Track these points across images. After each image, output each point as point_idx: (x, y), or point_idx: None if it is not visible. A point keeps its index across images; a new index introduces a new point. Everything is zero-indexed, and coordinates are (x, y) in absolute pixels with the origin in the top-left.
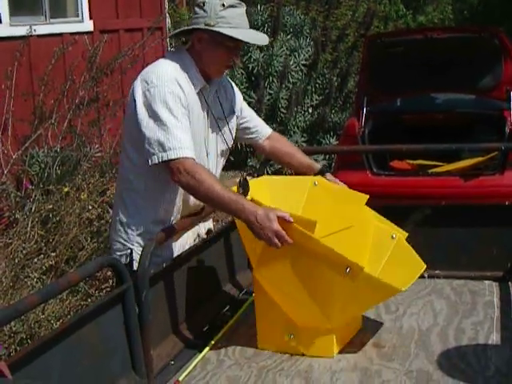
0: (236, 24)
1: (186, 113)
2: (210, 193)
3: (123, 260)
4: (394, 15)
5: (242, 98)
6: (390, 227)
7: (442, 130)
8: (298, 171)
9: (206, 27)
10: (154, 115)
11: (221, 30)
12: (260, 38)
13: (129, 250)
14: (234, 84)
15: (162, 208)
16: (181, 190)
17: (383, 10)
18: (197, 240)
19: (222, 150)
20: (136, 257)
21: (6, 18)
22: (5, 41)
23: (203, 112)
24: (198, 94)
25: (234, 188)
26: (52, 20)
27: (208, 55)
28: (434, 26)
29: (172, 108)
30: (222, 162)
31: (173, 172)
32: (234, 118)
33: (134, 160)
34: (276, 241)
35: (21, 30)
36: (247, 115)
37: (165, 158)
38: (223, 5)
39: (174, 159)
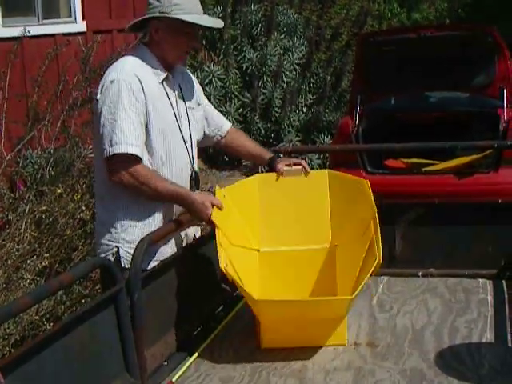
0: (190, 9)
1: (138, 105)
2: (153, 193)
3: (111, 258)
4: (388, 14)
5: (201, 89)
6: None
7: (436, 129)
8: (252, 161)
9: (161, 15)
10: (108, 109)
11: (176, 16)
12: (215, 22)
13: (115, 249)
14: (192, 75)
15: (143, 201)
16: None
17: (377, 9)
18: (187, 241)
19: (197, 140)
20: (123, 253)
21: None
22: None
23: (170, 101)
24: (161, 84)
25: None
26: (45, 21)
27: (167, 43)
28: (428, 24)
29: (123, 101)
30: (197, 150)
31: (114, 167)
32: (200, 107)
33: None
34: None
35: (13, 31)
36: (208, 107)
37: (111, 153)
38: None
39: (118, 153)
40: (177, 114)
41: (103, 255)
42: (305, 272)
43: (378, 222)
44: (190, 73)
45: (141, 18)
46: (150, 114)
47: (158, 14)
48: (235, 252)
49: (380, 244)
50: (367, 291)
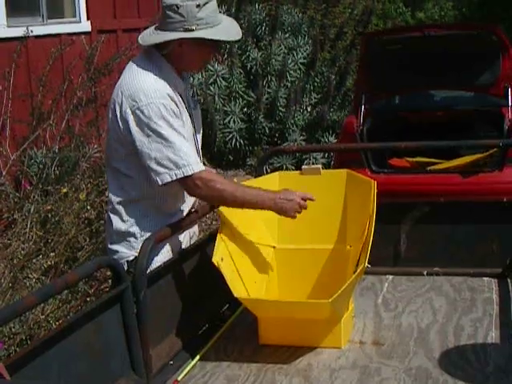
0: (213, 22)
1: (181, 123)
2: (233, 198)
3: (125, 267)
4: (393, 13)
5: None
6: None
7: (440, 127)
8: None
9: (189, 34)
10: (155, 134)
11: (204, 35)
12: (236, 32)
13: (132, 257)
14: None
15: (164, 214)
16: (181, 194)
17: (382, 8)
18: (192, 240)
19: (201, 138)
20: None
21: (2, 19)
22: (2, 42)
23: (187, 110)
24: (180, 96)
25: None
26: (49, 21)
27: (190, 56)
28: (432, 23)
29: (171, 123)
30: None
31: (190, 187)
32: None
33: (128, 174)
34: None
35: (18, 31)
36: None
37: (180, 176)
38: (198, 5)
39: (191, 175)
40: (193, 117)
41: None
42: (318, 271)
43: (373, 223)
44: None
45: (169, 39)
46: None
47: (183, 34)
48: (245, 247)
49: (368, 247)
50: (372, 290)
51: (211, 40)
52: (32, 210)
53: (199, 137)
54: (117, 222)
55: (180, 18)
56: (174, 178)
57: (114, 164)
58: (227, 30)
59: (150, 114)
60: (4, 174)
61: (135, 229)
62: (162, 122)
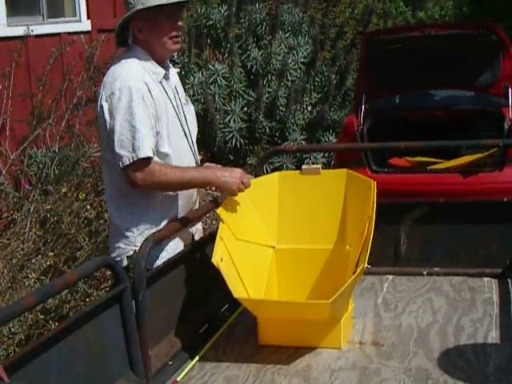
0: None
1: (151, 111)
2: (175, 182)
3: (124, 262)
4: (393, 12)
5: None
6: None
7: (440, 127)
8: None
9: (133, 9)
10: (121, 117)
11: (146, 5)
12: None
13: (131, 252)
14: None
15: (159, 206)
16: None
17: (382, 8)
18: (196, 236)
19: (195, 134)
20: None
21: (3, 18)
22: (2, 41)
23: (169, 98)
24: (160, 83)
25: None
26: (49, 20)
27: (153, 36)
28: (432, 23)
29: (138, 108)
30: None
31: (136, 175)
32: (190, 102)
33: (115, 165)
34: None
35: (18, 30)
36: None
37: (135, 158)
38: None
39: (143, 160)
40: (176, 109)
41: (118, 259)
42: (318, 271)
43: (372, 223)
44: (174, 69)
45: (119, 24)
46: (157, 117)
47: (130, 12)
48: (245, 248)
49: (368, 248)
50: (372, 290)
51: (161, 10)
52: (31, 209)
53: (193, 131)
54: (112, 217)
55: (130, 5)
56: (131, 161)
57: (105, 155)
58: None
59: (121, 97)
60: (4, 173)
61: (130, 223)
62: (130, 105)
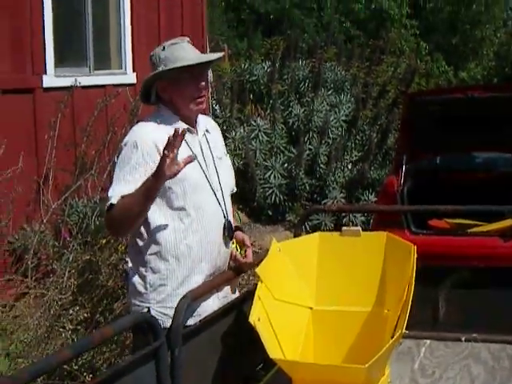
0: (181, 57)
1: (151, 168)
2: (124, 209)
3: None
4: (435, 71)
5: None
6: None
7: (482, 189)
8: None
9: (155, 72)
10: (117, 168)
11: (167, 68)
12: (210, 56)
13: (145, 309)
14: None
15: (170, 259)
16: (190, 241)
17: (424, 67)
18: (227, 299)
19: (228, 188)
20: (155, 314)
21: (51, 69)
22: (49, 91)
23: (194, 154)
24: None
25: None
26: (96, 72)
27: (176, 97)
28: (475, 85)
29: (131, 163)
30: (230, 199)
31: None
32: (227, 157)
33: None
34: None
35: (65, 81)
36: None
37: (107, 205)
38: (163, 48)
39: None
40: (203, 165)
41: None
42: (355, 334)
43: (412, 289)
44: (214, 123)
45: (143, 85)
46: None
47: (152, 73)
48: (282, 307)
49: (407, 313)
50: (409, 355)
51: (182, 71)
52: (70, 259)
53: (225, 186)
54: (131, 274)
55: (153, 66)
56: (104, 209)
57: None
58: (197, 56)
59: (122, 152)
60: (45, 222)
61: (146, 280)
62: (127, 159)
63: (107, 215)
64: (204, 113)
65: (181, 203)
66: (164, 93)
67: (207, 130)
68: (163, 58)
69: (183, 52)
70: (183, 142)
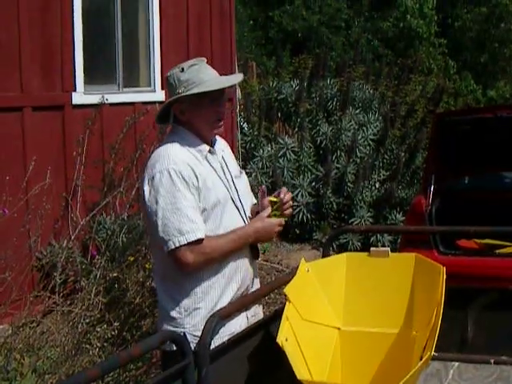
0: (200, 80)
1: (194, 190)
2: (219, 255)
3: (173, 346)
4: (463, 90)
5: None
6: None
7: (511, 209)
8: None
9: (176, 96)
10: (163, 201)
11: (188, 93)
12: (231, 79)
13: (181, 333)
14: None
15: (203, 281)
16: (221, 261)
17: (453, 86)
18: (255, 318)
19: (248, 205)
20: (191, 338)
21: (80, 86)
22: (79, 108)
23: (217, 174)
24: (206, 159)
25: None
26: (125, 89)
27: (195, 120)
28: (503, 104)
29: (180, 189)
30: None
31: (186, 258)
32: (243, 175)
33: (165, 250)
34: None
35: (94, 99)
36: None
37: (183, 242)
38: (182, 69)
39: (193, 241)
40: (226, 184)
41: (168, 342)
42: (383, 356)
43: (440, 311)
44: (225, 141)
45: (162, 108)
46: (203, 194)
47: (173, 98)
48: (310, 328)
49: (435, 335)
50: (437, 376)
51: (203, 96)
52: (98, 276)
53: (245, 203)
54: (162, 298)
55: (171, 87)
56: (178, 244)
57: (151, 238)
58: (218, 80)
59: (162, 180)
60: (73, 238)
61: (179, 304)
62: (172, 187)
63: (190, 251)
64: (230, 130)
65: (213, 225)
66: (182, 115)
67: (222, 149)
68: (183, 80)
69: (202, 75)
70: (207, 163)
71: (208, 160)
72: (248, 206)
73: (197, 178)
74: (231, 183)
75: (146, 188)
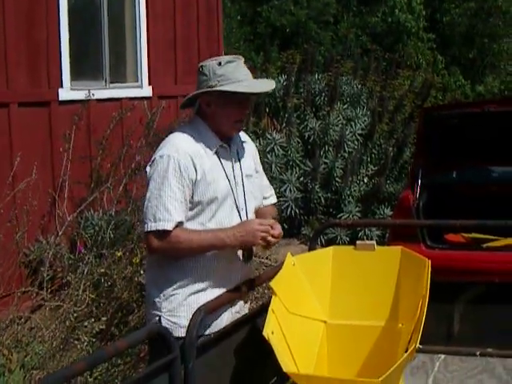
0: (236, 78)
1: (188, 183)
2: (190, 248)
3: None
4: (452, 85)
5: (258, 155)
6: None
7: (498, 203)
8: None
9: (209, 89)
10: (155, 184)
11: (222, 89)
12: (265, 86)
13: (156, 318)
14: (251, 140)
15: (183, 268)
16: (208, 255)
17: (441, 81)
18: (239, 314)
19: (254, 207)
20: (165, 323)
21: (67, 82)
22: (65, 104)
23: (224, 170)
24: (215, 154)
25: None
26: (111, 85)
27: (219, 115)
28: (491, 98)
29: (171, 178)
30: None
31: (154, 243)
32: (258, 174)
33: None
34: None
35: (81, 94)
36: (260, 173)
37: (153, 229)
38: (220, 63)
39: (161, 230)
40: (232, 181)
41: None
42: (369, 348)
43: (425, 303)
44: (250, 140)
45: (191, 95)
46: (200, 187)
47: (205, 89)
48: (296, 321)
49: (421, 327)
50: (423, 369)
51: (234, 95)
52: (86, 272)
53: (249, 204)
54: (147, 284)
55: (204, 77)
56: (148, 229)
57: None
58: (253, 84)
59: (159, 165)
60: (60, 234)
61: (159, 289)
62: (164, 174)
63: (158, 237)
64: None
65: (204, 218)
66: (208, 107)
67: (241, 146)
68: (218, 73)
69: (238, 73)
70: (216, 158)
71: (218, 155)
72: (252, 206)
73: (196, 170)
74: (238, 180)
75: (148, 168)
